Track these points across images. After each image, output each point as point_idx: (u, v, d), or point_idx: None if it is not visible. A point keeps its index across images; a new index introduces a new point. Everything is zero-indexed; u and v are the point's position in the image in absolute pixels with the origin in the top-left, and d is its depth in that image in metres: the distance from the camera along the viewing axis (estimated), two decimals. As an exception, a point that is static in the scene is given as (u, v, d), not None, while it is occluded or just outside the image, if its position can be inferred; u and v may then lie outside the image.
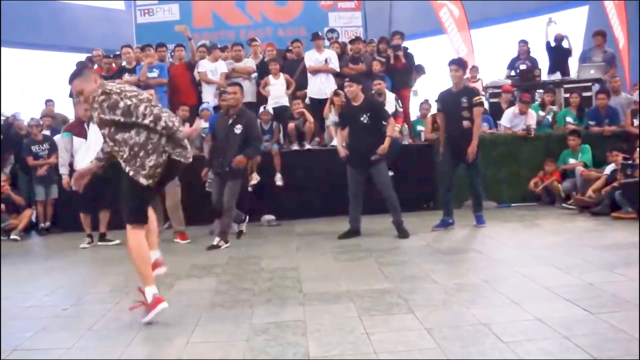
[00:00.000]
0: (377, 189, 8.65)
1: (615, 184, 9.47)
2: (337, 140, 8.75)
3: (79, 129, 9.38)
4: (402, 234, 8.53)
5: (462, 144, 8.78)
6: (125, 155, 5.05)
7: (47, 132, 11.71)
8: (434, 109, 12.33)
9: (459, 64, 9.07)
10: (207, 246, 8.54)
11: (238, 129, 8.56)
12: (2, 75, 18.33)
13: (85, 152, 9.10)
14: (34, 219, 11.14)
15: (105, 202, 9.29)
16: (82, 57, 13.88)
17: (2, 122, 13.09)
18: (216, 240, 8.55)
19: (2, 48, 20.25)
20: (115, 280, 6.88)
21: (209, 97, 12.05)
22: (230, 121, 8.62)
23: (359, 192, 8.75)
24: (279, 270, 6.89)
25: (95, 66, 13.14)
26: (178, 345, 4.49)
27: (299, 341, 4.40)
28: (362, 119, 8.48)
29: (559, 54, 14.03)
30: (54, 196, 11.01)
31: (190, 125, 7.18)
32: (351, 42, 12.98)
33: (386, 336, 4.41)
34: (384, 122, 8.52)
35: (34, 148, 11.01)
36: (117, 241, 9.22)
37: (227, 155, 8.52)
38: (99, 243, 9.37)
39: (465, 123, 8.89)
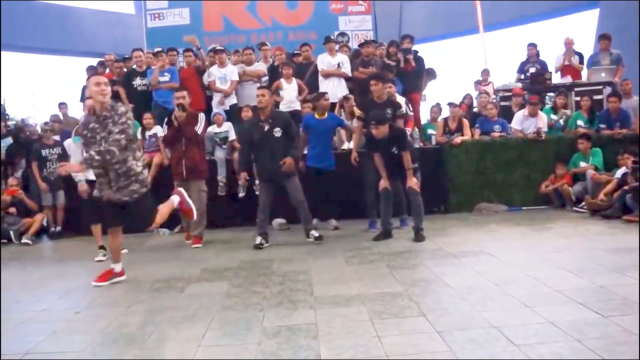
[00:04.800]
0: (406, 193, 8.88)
1: (626, 187, 9.44)
2: (380, 169, 8.78)
3: None
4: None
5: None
6: None
7: (57, 137, 11.74)
8: (444, 113, 12.39)
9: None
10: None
11: (277, 132, 8.71)
12: (12, 80, 18.42)
13: None
14: (44, 224, 11.17)
15: None
16: (93, 61, 13.93)
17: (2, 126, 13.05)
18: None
19: (13, 53, 20.38)
20: (127, 283, 6.90)
21: (214, 104, 12.09)
22: (267, 127, 8.72)
23: (390, 193, 8.91)
24: (290, 273, 6.90)
25: (107, 70, 13.22)
26: (190, 349, 4.50)
27: (311, 344, 4.41)
28: (392, 150, 8.59)
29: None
30: (61, 201, 11.05)
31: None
32: (361, 45, 12.97)
33: (397, 339, 4.41)
34: (403, 152, 8.56)
35: (44, 152, 11.05)
36: (125, 251, 9.04)
37: (274, 160, 8.67)
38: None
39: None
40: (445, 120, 11.79)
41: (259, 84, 12.17)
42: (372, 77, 9.83)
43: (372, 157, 8.89)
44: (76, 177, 9.00)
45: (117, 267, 6.99)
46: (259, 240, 8.74)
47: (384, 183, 8.76)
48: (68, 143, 11.47)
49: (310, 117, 10.07)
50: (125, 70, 12.62)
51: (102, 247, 8.76)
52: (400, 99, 10.78)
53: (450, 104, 11.93)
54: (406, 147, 8.60)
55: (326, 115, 10.11)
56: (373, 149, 8.85)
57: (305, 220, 8.94)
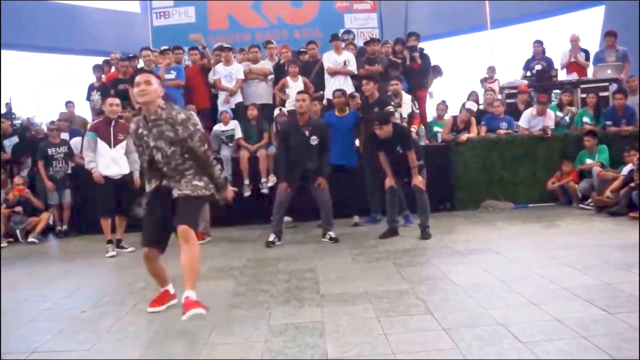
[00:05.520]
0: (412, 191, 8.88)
1: (632, 184, 9.42)
2: (385, 168, 8.80)
3: (104, 130, 8.97)
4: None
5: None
6: None
7: (65, 136, 11.76)
8: (451, 110, 12.39)
9: None
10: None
11: (314, 140, 8.75)
12: (18, 79, 18.46)
13: (109, 163, 8.96)
14: (51, 222, 11.20)
15: (123, 208, 8.91)
16: (98, 60, 13.91)
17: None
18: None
19: (19, 52, 20.41)
20: (133, 282, 6.90)
21: (220, 102, 12.08)
22: (306, 133, 8.75)
23: (396, 191, 8.94)
24: (296, 271, 6.90)
25: (113, 69, 13.23)
26: (196, 347, 4.51)
27: (317, 342, 4.41)
28: (397, 149, 8.61)
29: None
30: (67, 200, 11.07)
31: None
32: (367, 43, 12.94)
33: (404, 337, 4.41)
34: (408, 151, 8.56)
35: (50, 151, 11.04)
36: (132, 249, 9.02)
37: (306, 163, 8.72)
38: (116, 249, 9.00)
39: None
40: (455, 118, 11.79)
41: (264, 82, 12.20)
42: (364, 77, 10.13)
43: (377, 157, 8.88)
44: (88, 165, 9.05)
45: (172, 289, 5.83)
46: (272, 237, 8.75)
47: (389, 181, 8.76)
48: (75, 142, 11.50)
49: (330, 115, 10.08)
50: (131, 69, 12.61)
51: (110, 242, 8.92)
52: (407, 97, 10.77)
53: (469, 110, 11.86)
54: (410, 147, 8.58)
55: (347, 112, 10.15)
56: (377, 148, 8.85)
57: (325, 221, 8.96)
